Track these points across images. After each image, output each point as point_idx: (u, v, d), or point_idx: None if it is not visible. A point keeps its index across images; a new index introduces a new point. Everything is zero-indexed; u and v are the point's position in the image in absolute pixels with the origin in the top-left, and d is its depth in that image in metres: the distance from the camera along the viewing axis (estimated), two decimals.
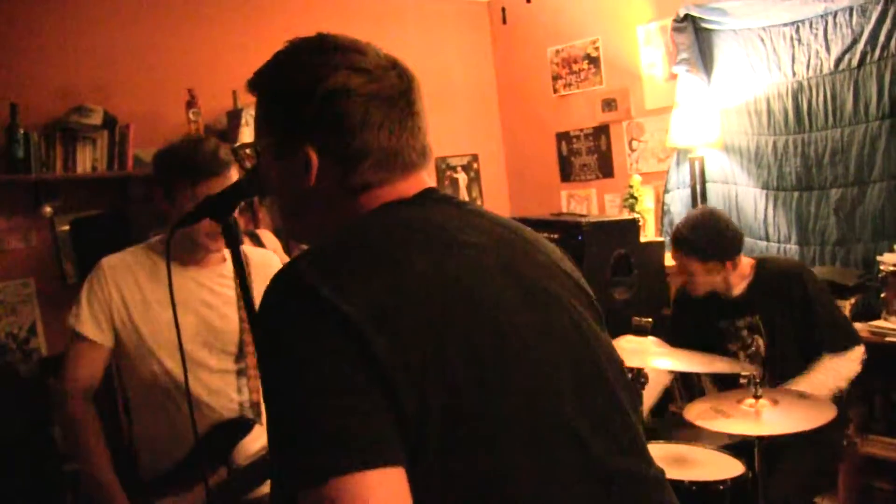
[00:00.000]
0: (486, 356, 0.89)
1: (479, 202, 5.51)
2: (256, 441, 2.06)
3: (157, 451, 2.01)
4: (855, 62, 3.55)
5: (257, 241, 3.60)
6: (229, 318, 2.05)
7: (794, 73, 3.79)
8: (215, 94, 4.04)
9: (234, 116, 3.98)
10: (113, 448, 1.97)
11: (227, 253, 2.12)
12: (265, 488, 2.11)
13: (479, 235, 1.01)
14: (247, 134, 3.96)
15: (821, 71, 3.68)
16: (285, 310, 0.88)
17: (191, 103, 3.92)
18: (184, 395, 1.95)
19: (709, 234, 2.77)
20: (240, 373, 2.06)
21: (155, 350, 1.97)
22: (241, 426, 1.99)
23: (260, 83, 1.08)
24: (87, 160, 3.78)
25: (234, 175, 2.00)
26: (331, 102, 1.00)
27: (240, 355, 2.06)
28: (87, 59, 3.94)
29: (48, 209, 3.69)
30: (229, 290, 2.09)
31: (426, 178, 1.08)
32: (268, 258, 2.25)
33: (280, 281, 0.91)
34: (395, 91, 1.03)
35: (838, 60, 3.60)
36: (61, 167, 3.72)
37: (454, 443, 0.85)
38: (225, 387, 2.01)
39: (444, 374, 0.85)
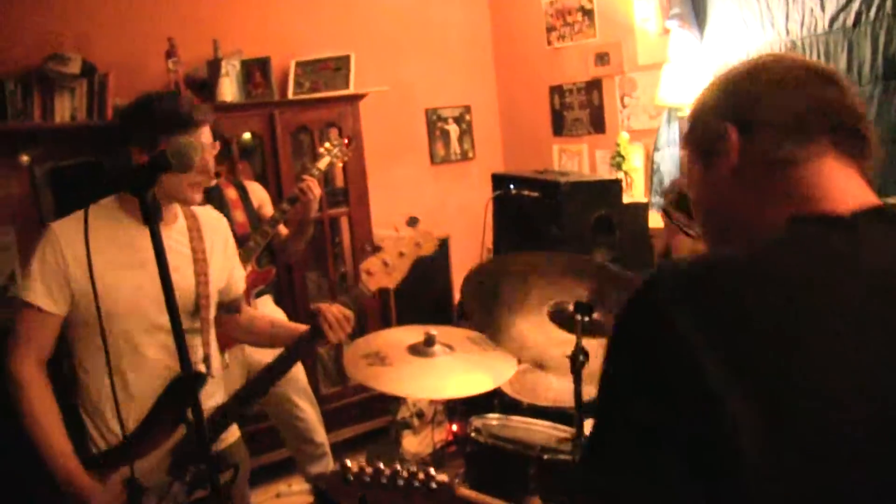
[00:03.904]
0: None
1: (470, 155, 5.44)
2: (209, 396, 2.06)
3: (108, 419, 1.97)
4: (850, 22, 3.42)
5: (244, 192, 3.57)
6: (187, 276, 2.01)
7: (787, 32, 3.67)
8: (196, 43, 3.95)
9: (214, 66, 3.90)
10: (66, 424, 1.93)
11: (179, 210, 2.09)
12: (226, 442, 2.16)
13: None
14: (226, 85, 3.89)
15: (815, 30, 3.56)
16: None
17: (170, 52, 3.84)
18: (140, 358, 1.95)
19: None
20: (195, 331, 2.02)
21: (115, 313, 1.89)
22: (196, 381, 1.93)
23: None
24: (66, 109, 3.75)
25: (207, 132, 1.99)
26: None
27: (195, 312, 2.03)
28: (66, 7, 3.88)
29: (25, 157, 3.68)
30: (185, 248, 2.04)
31: None
32: (215, 218, 2.22)
33: None
34: None
35: (833, 19, 3.48)
36: (39, 116, 3.69)
37: None
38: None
39: None
